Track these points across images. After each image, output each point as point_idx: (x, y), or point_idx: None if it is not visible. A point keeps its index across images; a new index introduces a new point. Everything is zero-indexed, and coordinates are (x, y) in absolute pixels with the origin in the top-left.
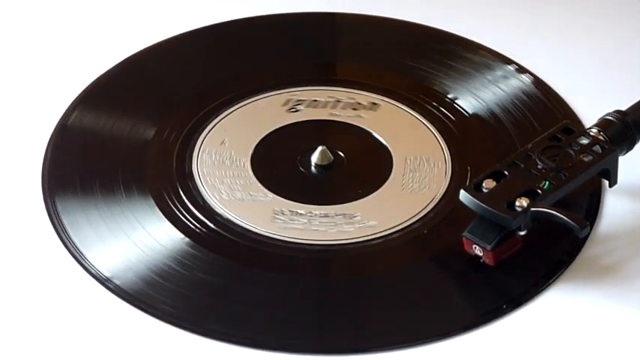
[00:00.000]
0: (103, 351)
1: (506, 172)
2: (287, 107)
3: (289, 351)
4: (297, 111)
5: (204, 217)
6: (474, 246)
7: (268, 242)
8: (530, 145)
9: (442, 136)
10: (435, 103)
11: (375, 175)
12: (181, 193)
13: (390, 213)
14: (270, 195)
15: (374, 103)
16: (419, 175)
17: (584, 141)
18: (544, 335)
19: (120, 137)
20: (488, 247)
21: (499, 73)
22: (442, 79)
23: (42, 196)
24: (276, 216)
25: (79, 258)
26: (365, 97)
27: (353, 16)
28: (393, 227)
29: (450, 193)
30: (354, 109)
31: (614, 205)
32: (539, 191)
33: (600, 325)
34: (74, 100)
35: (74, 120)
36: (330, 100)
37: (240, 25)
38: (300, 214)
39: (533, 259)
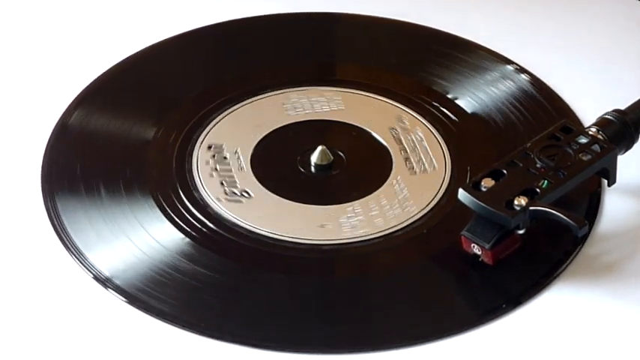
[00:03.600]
0: (103, 351)
1: (504, 171)
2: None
3: (289, 350)
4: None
5: (204, 217)
6: (472, 245)
7: (268, 242)
8: (528, 144)
9: (442, 136)
10: (435, 103)
11: (375, 175)
12: (181, 193)
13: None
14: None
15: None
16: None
17: (583, 140)
18: (544, 334)
19: (120, 137)
20: (487, 246)
21: (499, 73)
22: (442, 79)
23: (42, 196)
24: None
25: (79, 258)
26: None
27: (353, 16)
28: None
29: (450, 193)
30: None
31: (614, 205)
32: (538, 190)
33: (600, 324)
34: (74, 100)
35: (74, 120)
36: None
37: (240, 25)
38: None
39: (532, 259)
